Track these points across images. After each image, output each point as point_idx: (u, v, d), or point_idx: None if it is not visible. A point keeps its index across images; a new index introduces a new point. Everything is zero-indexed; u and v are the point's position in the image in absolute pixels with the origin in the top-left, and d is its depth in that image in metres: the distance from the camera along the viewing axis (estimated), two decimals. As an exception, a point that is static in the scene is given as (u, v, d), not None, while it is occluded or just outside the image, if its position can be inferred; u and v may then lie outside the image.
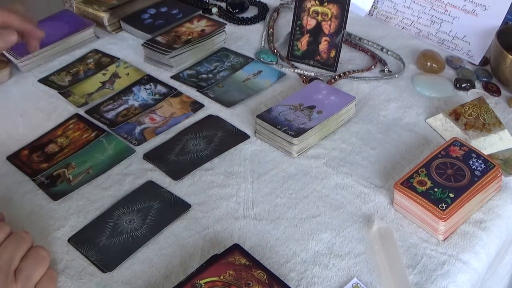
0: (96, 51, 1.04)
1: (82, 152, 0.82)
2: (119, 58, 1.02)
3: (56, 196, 0.74)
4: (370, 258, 0.67)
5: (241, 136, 0.85)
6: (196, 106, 0.91)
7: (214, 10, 1.15)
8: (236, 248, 0.65)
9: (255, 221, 0.72)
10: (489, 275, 0.74)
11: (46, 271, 0.62)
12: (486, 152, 0.79)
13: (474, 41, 1.02)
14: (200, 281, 0.60)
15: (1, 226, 0.62)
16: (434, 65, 0.99)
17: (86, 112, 0.89)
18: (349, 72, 0.98)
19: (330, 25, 0.97)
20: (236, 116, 0.89)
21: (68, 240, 0.69)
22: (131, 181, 0.77)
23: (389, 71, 0.99)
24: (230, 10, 1.16)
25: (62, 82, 0.96)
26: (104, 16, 1.07)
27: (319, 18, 0.97)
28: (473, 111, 0.85)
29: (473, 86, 0.95)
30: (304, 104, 0.85)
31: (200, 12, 1.13)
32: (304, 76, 0.97)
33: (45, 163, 0.79)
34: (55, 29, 1.03)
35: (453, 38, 1.05)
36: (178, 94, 0.93)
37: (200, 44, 1.01)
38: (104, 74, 0.98)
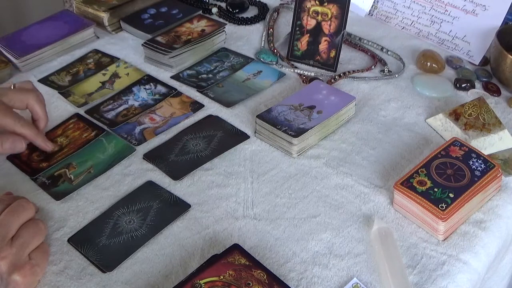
0: (96, 51, 1.04)
1: (82, 151, 0.82)
2: (119, 58, 1.02)
3: (58, 196, 0.74)
4: (370, 258, 0.67)
5: (241, 136, 0.85)
6: (196, 106, 0.91)
7: (214, 10, 1.15)
8: (236, 248, 0.65)
9: (255, 221, 0.72)
10: (489, 275, 0.74)
11: (40, 244, 0.64)
12: (486, 152, 0.79)
13: (474, 41, 1.02)
14: (200, 281, 0.60)
15: (3, 198, 0.65)
16: (434, 65, 0.99)
17: (86, 112, 0.89)
18: (349, 72, 0.98)
19: (330, 25, 0.97)
20: (236, 116, 0.89)
21: (68, 241, 0.69)
22: (130, 181, 0.77)
23: (389, 71, 0.99)
24: (230, 10, 1.16)
25: (62, 82, 0.96)
26: (104, 16, 1.07)
27: (319, 18, 0.97)
28: (473, 111, 0.85)
29: (473, 86, 0.95)
30: (304, 104, 0.85)
31: (200, 12, 1.13)
32: (304, 76, 0.97)
33: (45, 162, 0.79)
34: (55, 29, 1.03)
35: (453, 38, 1.05)
36: (178, 94, 0.93)
37: (200, 44, 1.01)
38: (104, 74, 0.98)
